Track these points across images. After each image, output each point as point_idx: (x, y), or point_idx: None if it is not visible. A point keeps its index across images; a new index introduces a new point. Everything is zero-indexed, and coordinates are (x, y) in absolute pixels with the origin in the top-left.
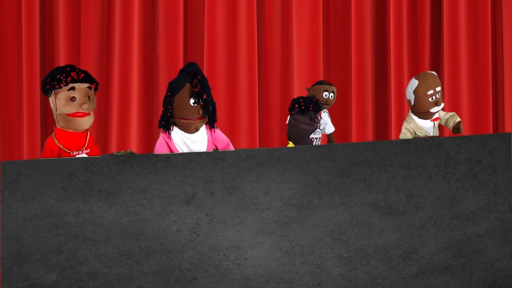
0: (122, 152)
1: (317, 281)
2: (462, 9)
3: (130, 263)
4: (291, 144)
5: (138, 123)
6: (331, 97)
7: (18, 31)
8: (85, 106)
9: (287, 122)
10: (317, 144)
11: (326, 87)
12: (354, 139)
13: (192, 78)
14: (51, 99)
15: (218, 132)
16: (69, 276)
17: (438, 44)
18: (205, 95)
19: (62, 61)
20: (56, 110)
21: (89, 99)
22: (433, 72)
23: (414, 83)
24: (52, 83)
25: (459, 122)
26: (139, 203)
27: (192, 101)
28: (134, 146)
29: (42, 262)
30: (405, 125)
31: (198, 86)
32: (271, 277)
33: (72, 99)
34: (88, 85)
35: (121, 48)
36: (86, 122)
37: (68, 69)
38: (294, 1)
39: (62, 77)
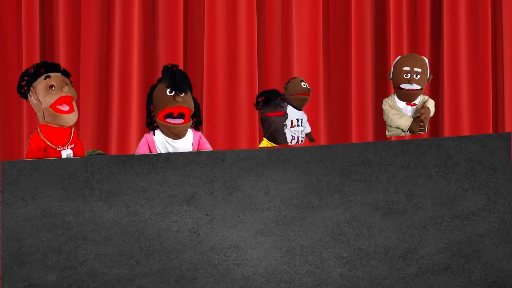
0: (89, 151)
1: (317, 281)
2: (462, 9)
3: (130, 263)
4: (265, 141)
5: (138, 123)
6: (307, 86)
7: (18, 31)
8: (66, 89)
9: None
10: (300, 143)
11: (300, 78)
12: (354, 139)
13: (166, 71)
14: (31, 98)
15: (204, 142)
16: (69, 276)
17: (438, 44)
18: (183, 89)
19: (62, 61)
20: (41, 104)
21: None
22: (424, 57)
23: (397, 58)
24: (28, 79)
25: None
26: (139, 203)
27: (168, 90)
28: (134, 146)
29: (42, 262)
30: (385, 100)
31: (173, 75)
32: (271, 277)
33: (51, 86)
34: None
35: (121, 48)
36: (72, 119)
37: (37, 65)
38: (294, 1)
39: (35, 70)
